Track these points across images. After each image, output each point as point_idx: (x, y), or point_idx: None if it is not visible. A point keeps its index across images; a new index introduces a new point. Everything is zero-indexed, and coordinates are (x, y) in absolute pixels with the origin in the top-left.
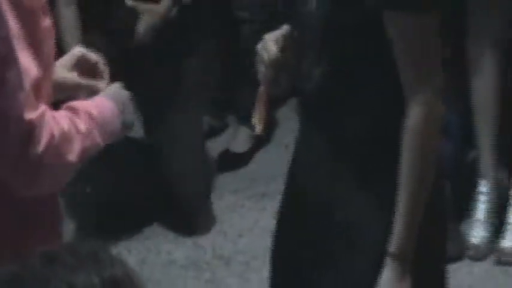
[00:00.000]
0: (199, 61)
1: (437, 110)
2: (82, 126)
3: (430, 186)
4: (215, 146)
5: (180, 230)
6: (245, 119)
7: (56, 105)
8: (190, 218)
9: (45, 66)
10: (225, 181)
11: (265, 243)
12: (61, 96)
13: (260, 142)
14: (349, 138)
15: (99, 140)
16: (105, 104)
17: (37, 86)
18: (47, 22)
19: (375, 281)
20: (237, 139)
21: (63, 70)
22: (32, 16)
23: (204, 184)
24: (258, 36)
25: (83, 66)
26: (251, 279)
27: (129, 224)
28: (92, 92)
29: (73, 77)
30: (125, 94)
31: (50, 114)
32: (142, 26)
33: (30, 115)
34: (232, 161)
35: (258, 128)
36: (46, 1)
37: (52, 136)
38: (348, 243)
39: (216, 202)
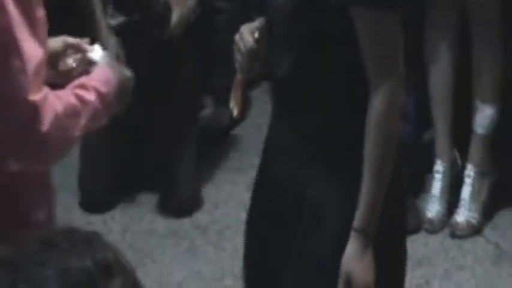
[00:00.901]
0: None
1: (399, 97)
2: (89, 101)
3: (392, 166)
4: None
5: (164, 207)
6: (220, 100)
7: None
8: (178, 200)
9: (41, 31)
10: (202, 157)
11: (238, 214)
12: (55, 57)
13: (235, 122)
14: (315, 121)
15: (103, 115)
16: (109, 77)
17: (39, 70)
18: (41, 12)
19: (339, 253)
20: (213, 119)
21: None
22: (29, 6)
23: (196, 171)
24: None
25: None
26: (226, 247)
27: (115, 192)
28: (80, 51)
29: (62, 37)
30: (126, 72)
31: (54, 93)
32: (175, 18)
33: (33, 97)
34: (209, 139)
35: (235, 112)
36: None
37: (56, 115)
38: (313, 218)
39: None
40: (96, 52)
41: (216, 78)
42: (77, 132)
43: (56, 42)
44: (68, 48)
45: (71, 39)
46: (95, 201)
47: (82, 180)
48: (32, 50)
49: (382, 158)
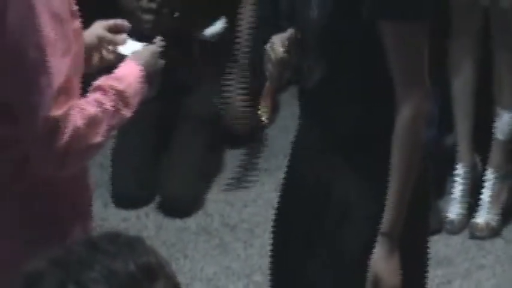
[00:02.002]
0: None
1: (426, 108)
2: (109, 105)
3: (417, 173)
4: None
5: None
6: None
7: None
8: (171, 200)
9: (75, 65)
10: (231, 157)
11: (266, 213)
12: (90, 50)
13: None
14: (344, 126)
15: (126, 112)
16: (133, 70)
17: (67, 85)
18: (76, 24)
19: (366, 253)
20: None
21: (90, 31)
22: (61, 20)
23: (199, 186)
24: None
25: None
26: (254, 244)
27: (146, 189)
28: (113, 43)
29: (97, 31)
30: (152, 52)
31: (76, 106)
32: None
33: (56, 112)
34: (237, 140)
35: (265, 118)
36: (75, 4)
37: (76, 128)
38: (341, 218)
39: (225, 176)
40: (127, 46)
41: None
42: (99, 138)
43: (90, 38)
44: (103, 42)
45: (105, 33)
46: (126, 197)
47: (114, 177)
48: (61, 67)
49: (409, 165)
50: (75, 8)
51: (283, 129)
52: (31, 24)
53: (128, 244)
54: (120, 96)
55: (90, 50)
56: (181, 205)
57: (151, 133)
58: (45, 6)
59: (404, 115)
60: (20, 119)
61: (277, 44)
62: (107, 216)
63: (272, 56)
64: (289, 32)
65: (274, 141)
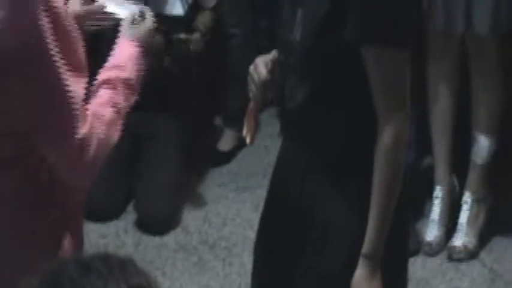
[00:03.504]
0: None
1: (406, 131)
2: (121, 101)
3: (398, 195)
4: (204, 145)
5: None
6: (230, 121)
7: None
8: (147, 217)
9: (82, 71)
10: (212, 176)
11: (245, 232)
12: (88, 26)
13: (243, 143)
14: (325, 151)
15: (133, 98)
16: (132, 51)
17: (83, 105)
18: (75, 29)
19: (347, 273)
20: (223, 139)
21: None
22: (70, 48)
23: (175, 203)
24: (242, 49)
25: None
26: (233, 263)
27: (128, 208)
28: (95, 14)
29: (74, 10)
30: (148, 28)
31: (93, 114)
32: None
33: (80, 133)
34: (218, 158)
35: (248, 139)
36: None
37: (99, 139)
38: (322, 238)
39: (204, 193)
40: (110, 4)
41: (225, 100)
42: (117, 135)
43: (76, 6)
44: (82, 20)
45: (79, 12)
46: (97, 208)
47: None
48: (76, 90)
49: (390, 188)
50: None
51: (262, 148)
52: (43, 56)
53: (120, 265)
54: (127, 84)
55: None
56: (158, 223)
57: (123, 145)
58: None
59: (385, 139)
60: (46, 147)
61: (261, 65)
62: (86, 232)
63: (255, 77)
64: (273, 53)
65: (254, 160)
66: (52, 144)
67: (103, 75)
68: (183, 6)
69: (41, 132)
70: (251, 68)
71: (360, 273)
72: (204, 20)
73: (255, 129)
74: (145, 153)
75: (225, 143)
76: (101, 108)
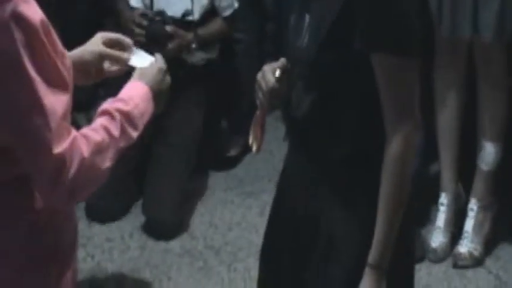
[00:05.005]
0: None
1: (415, 140)
2: (115, 130)
3: (405, 204)
4: (210, 150)
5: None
6: (237, 127)
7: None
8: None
9: (63, 87)
10: (217, 180)
11: (250, 236)
12: (90, 67)
13: (248, 148)
14: (332, 159)
15: (133, 134)
16: (139, 90)
17: (66, 120)
18: (67, 62)
19: (353, 283)
20: (230, 144)
21: (91, 46)
22: (46, 59)
23: (182, 208)
24: (248, 54)
25: (107, 44)
26: (238, 268)
27: (134, 212)
28: (117, 62)
29: (99, 48)
30: (158, 69)
31: (81, 135)
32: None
33: (58, 149)
34: (224, 163)
35: (255, 147)
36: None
37: (82, 159)
38: (328, 248)
39: (209, 198)
40: (135, 57)
41: (232, 106)
42: (108, 164)
43: (89, 55)
44: (102, 59)
45: (105, 51)
46: (98, 209)
47: None
48: (54, 104)
49: (398, 198)
50: (60, 47)
51: (267, 153)
52: (17, 69)
53: None
54: (127, 118)
55: (87, 65)
56: (164, 227)
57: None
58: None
59: (394, 147)
60: (24, 161)
61: (268, 73)
62: (91, 235)
63: (263, 85)
64: (281, 61)
65: (259, 165)
66: (27, 156)
67: (104, 106)
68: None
69: (16, 146)
70: (259, 75)
71: (366, 283)
72: (212, 27)
73: (261, 137)
74: (153, 158)
75: (232, 148)
76: (91, 132)
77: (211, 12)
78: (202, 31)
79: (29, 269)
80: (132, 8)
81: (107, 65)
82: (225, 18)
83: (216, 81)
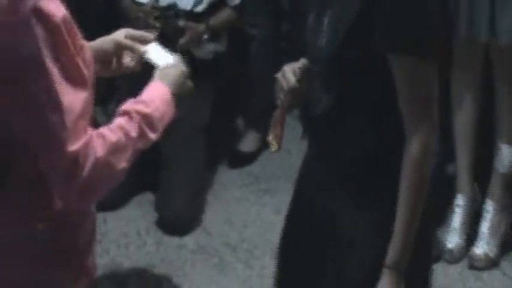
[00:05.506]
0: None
1: (433, 141)
2: (133, 131)
3: (423, 206)
4: (226, 146)
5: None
6: (253, 123)
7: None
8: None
9: (83, 84)
10: (233, 177)
11: (266, 234)
12: (109, 57)
13: (265, 145)
14: (351, 158)
15: (152, 136)
16: (161, 92)
17: (84, 118)
18: (87, 56)
19: (371, 284)
20: (245, 140)
21: (113, 36)
22: (70, 56)
23: (196, 204)
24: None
25: (129, 38)
26: (254, 266)
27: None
28: (134, 53)
29: (119, 38)
30: (181, 72)
31: (98, 135)
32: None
33: (73, 147)
34: (239, 160)
35: (274, 146)
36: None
37: (97, 158)
38: (346, 253)
39: (225, 195)
40: (152, 52)
41: (248, 102)
42: (124, 164)
43: (108, 44)
44: (121, 49)
45: (124, 40)
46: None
47: None
48: (72, 102)
49: (416, 199)
50: (81, 41)
51: (284, 151)
52: (36, 65)
53: None
54: (146, 120)
55: (107, 55)
56: (179, 223)
57: None
58: (47, 43)
59: (413, 149)
60: (39, 158)
61: (289, 73)
62: (106, 231)
63: (284, 84)
64: (301, 61)
65: (276, 163)
66: (41, 153)
67: (124, 106)
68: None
69: (32, 142)
70: (279, 75)
71: (384, 284)
72: (222, 16)
73: (281, 136)
74: (167, 154)
75: (247, 145)
76: (107, 131)
77: (218, 2)
78: (213, 21)
79: (48, 267)
80: (138, 3)
81: (126, 59)
82: (234, 8)
83: (226, 76)
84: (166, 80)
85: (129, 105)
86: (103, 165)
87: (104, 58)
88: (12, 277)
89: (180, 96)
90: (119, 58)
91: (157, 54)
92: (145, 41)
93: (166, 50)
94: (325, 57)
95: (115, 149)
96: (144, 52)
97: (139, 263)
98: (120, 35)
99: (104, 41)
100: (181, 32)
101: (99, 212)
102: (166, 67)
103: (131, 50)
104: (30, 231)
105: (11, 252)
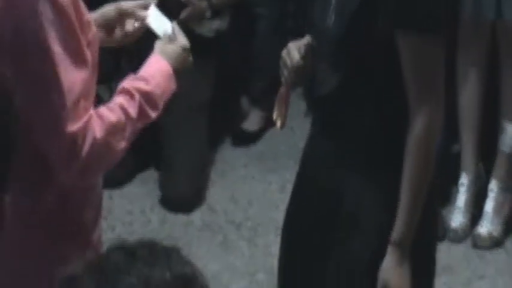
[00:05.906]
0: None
1: (439, 119)
2: (133, 111)
3: (428, 183)
4: (230, 125)
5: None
6: (257, 101)
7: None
8: (170, 195)
9: (92, 68)
10: (237, 155)
11: (271, 212)
12: (111, 24)
13: (269, 123)
14: (356, 138)
15: (152, 114)
16: (162, 68)
17: (84, 97)
18: (91, 34)
19: (375, 262)
20: (249, 119)
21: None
22: (72, 34)
23: (199, 182)
24: (270, 30)
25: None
26: (258, 243)
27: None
28: (135, 18)
29: (119, 3)
30: (182, 47)
31: (97, 115)
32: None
33: (72, 127)
34: (244, 139)
35: (279, 123)
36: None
37: (95, 139)
38: (351, 227)
39: (229, 173)
40: (153, 17)
41: (252, 81)
42: (123, 144)
43: (109, 11)
44: (122, 15)
45: (125, 5)
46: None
47: None
48: (73, 82)
49: (421, 177)
50: (87, 17)
51: (288, 129)
52: (39, 44)
53: (165, 253)
54: (147, 98)
55: (110, 23)
56: (182, 200)
57: None
58: (53, 23)
59: (417, 127)
60: (39, 136)
61: (294, 50)
62: (111, 209)
63: (288, 62)
64: (306, 38)
65: (280, 141)
66: (41, 132)
67: (124, 84)
68: None
69: (32, 121)
70: (284, 52)
71: (389, 261)
72: None
73: (286, 113)
74: (167, 131)
75: (251, 123)
76: (107, 111)
77: None
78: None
79: (53, 242)
80: None
81: (129, 26)
82: None
83: (229, 55)
84: (167, 55)
85: (129, 82)
86: (101, 146)
87: (105, 25)
88: (19, 249)
89: (180, 71)
90: (122, 26)
91: (157, 21)
92: (146, 7)
93: (166, 17)
94: (333, 38)
95: (114, 129)
96: (145, 17)
97: None
98: (121, 3)
99: (105, 8)
100: (182, 6)
101: (104, 188)
102: (167, 42)
103: (132, 15)
104: (36, 205)
105: (18, 225)
